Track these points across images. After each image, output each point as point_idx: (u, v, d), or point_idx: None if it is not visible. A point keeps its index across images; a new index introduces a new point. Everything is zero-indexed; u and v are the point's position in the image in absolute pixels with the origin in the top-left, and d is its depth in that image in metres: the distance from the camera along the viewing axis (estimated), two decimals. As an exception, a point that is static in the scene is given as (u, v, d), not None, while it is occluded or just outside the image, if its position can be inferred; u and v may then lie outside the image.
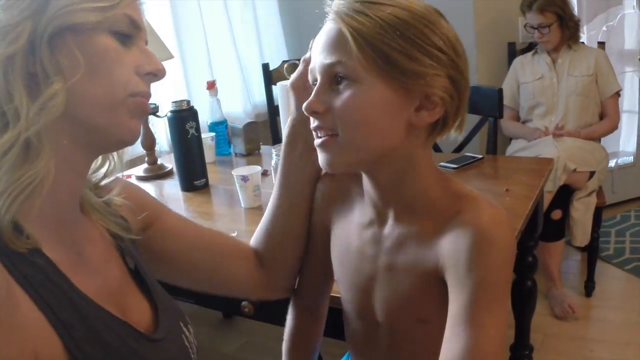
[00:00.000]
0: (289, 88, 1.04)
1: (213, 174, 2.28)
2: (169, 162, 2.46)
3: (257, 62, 3.40)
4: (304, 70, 1.00)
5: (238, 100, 3.33)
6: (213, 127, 2.57)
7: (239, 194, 1.90)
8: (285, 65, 2.20)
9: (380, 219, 0.94)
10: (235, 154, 2.60)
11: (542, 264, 2.81)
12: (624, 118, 3.72)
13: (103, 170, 0.91)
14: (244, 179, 1.86)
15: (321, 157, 0.88)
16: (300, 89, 1.00)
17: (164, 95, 2.64)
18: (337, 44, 0.82)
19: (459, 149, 2.66)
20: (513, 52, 3.35)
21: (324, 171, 1.06)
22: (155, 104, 2.32)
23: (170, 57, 2.39)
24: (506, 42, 3.38)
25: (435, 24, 0.81)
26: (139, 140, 2.19)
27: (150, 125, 2.44)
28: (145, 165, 2.40)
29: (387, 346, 0.99)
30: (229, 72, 3.26)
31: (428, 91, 0.81)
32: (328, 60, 0.83)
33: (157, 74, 0.83)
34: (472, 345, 0.77)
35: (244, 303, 1.44)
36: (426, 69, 0.80)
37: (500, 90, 2.45)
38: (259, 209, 1.88)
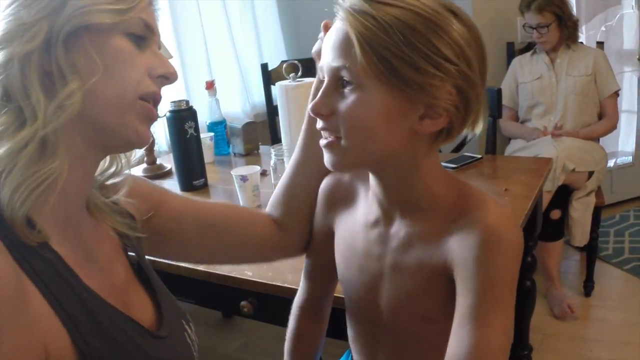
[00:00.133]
0: (314, 54, 1.02)
1: (212, 174, 2.27)
2: (167, 162, 2.46)
3: (256, 62, 3.40)
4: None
5: (237, 100, 3.33)
6: (212, 127, 2.57)
7: (238, 194, 1.90)
8: (284, 65, 2.20)
9: (386, 218, 0.94)
10: (234, 154, 2.60)
11: (541, 264, 2.81)
12: (623, 118, 3.73)
13: (111, 170, 0.93)
14: (243, 179, 1.86)
15: (326, 158, 0.88)
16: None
17: (162, 95, 2.62)
18: (344, 47, 0.81)
19: (458, 148, 2.67)
20: (512, 52, 3.35)
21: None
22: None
23: (170, 57, 2.39)
24: (505, 42, 3.38)
25: (443, 28, 0.78)
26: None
27: (149, 126, 2.43)
28: (144, 165, 2.40)
29: (391, 345, 0.99)
30: (228, 72, 3.26)
31: (432, 102, 0.79)
32: (334, 64, 0.82)
33: (169, 77, 0.85)
34: (480, 343, 0.78)
35: (243, 303, 1.45)
36: (431, 79, 0.78)
37: (499, 90, 2.45)
38: (258, 209, 1.87)
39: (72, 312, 0.75)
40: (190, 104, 2.14)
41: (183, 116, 2.09)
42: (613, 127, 3.03)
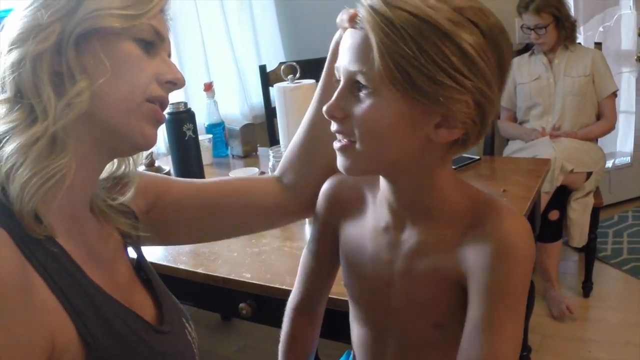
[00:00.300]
0: (333, 45, 1.00)
1: (210, 175, 2.27)
2: (166, 164, 2.45)
3: (254, 63, 3.40)
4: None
5: (235, 102, 3.33)
6: (210, 128, 2.57)
7: (237, 195, 1.90)
8: (283, 67, 2.21)
9: (397, 224, 0.93)
10: (233, 155, 2.60)
11: (540, 265, 2.81)
12: (621, 118, 3.73)
13: (119, 172, 0.96)
14: (242, 180, 1.85)
15: (339, 161, 0.87)
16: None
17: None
18: (362, 50, 0.79)
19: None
20: (510, 53, 3.35)
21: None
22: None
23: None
24: (503, 43, 3.37)
25: (455, 40, 0.75)
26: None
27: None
28: (142, 167, 2.40)
29: (399, 351, 0.98)
30: (226, 74, 3.26)
31: (448, 113, 0.78)
32: (351, 68, 0.81)
33: (177, 83, 0.87)
34: (491, 352, 0.79)
35: (241, 305, 1.45)
36: (447, 92, 0.75)
37: (498, 91, 2.45)
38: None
39: (78, 305, 0.76)
40: (189, 106, 2.14)
41: (181, 118, 2.09)
42: (611, 127, 3.03)
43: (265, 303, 1.44)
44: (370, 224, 0.97)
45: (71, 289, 0.76)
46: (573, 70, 2.97)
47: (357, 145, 0.83)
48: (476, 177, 2.06)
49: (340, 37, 0.88)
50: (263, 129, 3.28)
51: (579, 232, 2.88)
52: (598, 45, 3.19)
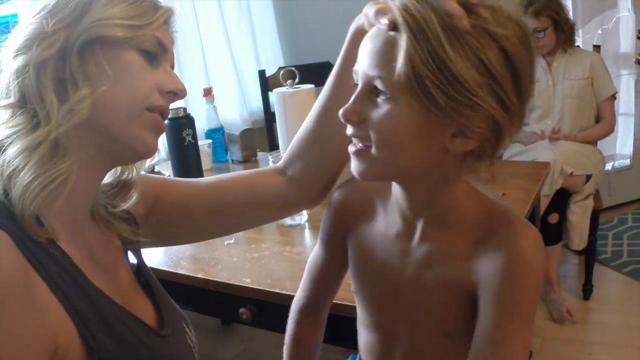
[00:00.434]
0: (358, 28, 0.96)
1: (210, 181, 2.27)
2: (166, 169, 2.46)
3: (253, 68, 3.41)
4: None
5: (234, 107, 3.33)
6: (210, 134, 2.57)
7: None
8: (282, 72, 2.21)
9: (408, 231, 0.92)
10: (232, 160, 2.60)
11: (540, 268, 2.81)
12: (620, 121, 3.73)
13: (122, 178, 0.98)
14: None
15: (353, 165, 0.86)
16: None
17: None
18: (384, 56, 0.77)
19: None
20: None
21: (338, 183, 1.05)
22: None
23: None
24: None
25: (472, 58, 0.73)
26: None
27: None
28: (142, 173, 2.40)
29: (405, 358, 0.98)
30: (226, 79, 3.26)
31: (464, 124, 0.77)
32: (371, 72, 0.79)
33: (178, 93, 0.88)
34: None
35: (242, 310, 1.45)
36: (462, 108, 0.74)
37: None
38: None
39: (80, 307, 0.77)
40: (188, 111, 2.15)
41: (181, 123, 2.10)
42: (610, 130, 3.03)
43: (265, 308, 1.44)
44: (380, 231, 0.97)
45: (73, 291, 0.77)
46: (572, 73, 2.97)
47: (373, 151, 0.82)
48: (475, 181, 2.05)
49: (362, 24, 0.88)
50: (262, 134, 3.28)
51: (578, 235, 2.88)
52: (597, 48, 3.19)
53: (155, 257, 1.58)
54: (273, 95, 2.20)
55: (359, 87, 0.82)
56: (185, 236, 1.13)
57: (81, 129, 0.80)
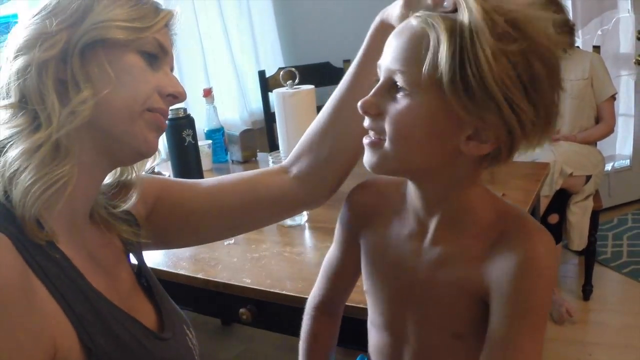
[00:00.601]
0: (390, 18, 0.96)
1: (210, 181, 2.27)
2: (166, 169, 2.46)
3: (253, 69, 3.41)
4: None
5: (235, 107, 3.33)
6: (210, 134, 2.57)
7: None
8: (282, 73, 2.21)
9: (421, 232, 0.92)
10: (232, 161, 2.60)
11: (540, 268, 2.81)
12: (620, 121, 3.73)
13: (122, 179, 0.98)
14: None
15: (366, 157, 0.86)
16: None
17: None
18: (410, 52, 0.77)
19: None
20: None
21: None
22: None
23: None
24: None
25: (501, 59, 0.72)
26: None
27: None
28: (143, 174, 2.40)
29: (415, 359, 0.98)
30: (226, 80, 3.27)
31: (481, 126, 0.77)
32: (394, 67, 0.79)
33: (178, 96, 0.89)
34: None
35: (242, 310, 1.45)
36: (483, 113, 0.74)
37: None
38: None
39: (79, 310, 0.77)
40: (188, 112, 2.15)
41: (181, 124, 2.10)
42: (610, 130, 3.03)
43: (265, 308, 1.44)
44: (394, 230, 0.96)
45: (72, 294, 0.77)
46: (572, 74, 2.97)
47: (386, 144, 0.82)
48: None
49: (386, 18, 0.89)
50: (262, 135, 3.29)
51: (578, 236, 2.88)
52: (597, 48, 3.19)
53: (155, 257, 1.59)
54: (273, 96, 2.20)
55: (381, 80, 0.83)
56: (187, 238, 1.12)
57: (82, 130, 0.80)
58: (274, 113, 2.36)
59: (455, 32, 0.73)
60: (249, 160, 2.55)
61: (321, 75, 3.07)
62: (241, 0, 3.36)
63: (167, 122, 0.91)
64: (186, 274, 1.51)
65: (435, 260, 0.90)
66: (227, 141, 2.59)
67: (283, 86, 2.13)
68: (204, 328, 3.04)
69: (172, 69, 0.91)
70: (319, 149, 1.06)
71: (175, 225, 1.06)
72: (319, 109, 1.09)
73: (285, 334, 1.49)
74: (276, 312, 1.41)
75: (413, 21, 0.79)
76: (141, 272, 1.00)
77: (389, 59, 0.81)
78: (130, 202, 0.96)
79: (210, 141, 2.52)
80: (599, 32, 3.70)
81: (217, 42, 3.22)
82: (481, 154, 0.81)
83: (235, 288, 1.44)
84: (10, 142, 0.77)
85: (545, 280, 0.81)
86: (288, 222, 1.75)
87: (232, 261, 1.57)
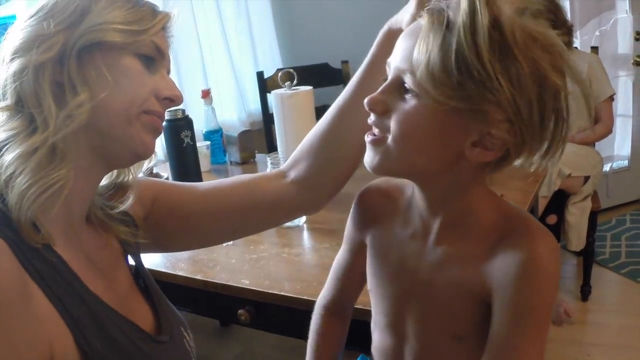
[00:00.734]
0: (397, 24, 0.96)
1: (208, 182, 2.27)
2: (164, 171, 2.45)
3: (251, 70, 3.41)
4: None
5: (233, 108, 3.33)
6: (208, 135, 2.57)
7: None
8: (280, 74, 2.21)
9: (424, 232, 0.92)
10: (231, 162, 2.60)
11: (538, 269, 2.81)
12: (618, 122, 3.74)
13: (118, 180, 0.98)
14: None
15: (367, 156, 0.85)
16: None
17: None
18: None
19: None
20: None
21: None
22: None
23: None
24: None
25: (508, 65, 0.73)
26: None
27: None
28: (140, 175, 2.40)
29: (418, 359, 0.98)
30: (224, 81, 3.27)
31: (485, 130, 0.76)
32: (403, 66, 0.79)
33: (174, 100, 0.89)
34: None
35: (240, 311, 1.45)
36: (484, 103, 0.73)
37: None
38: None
39: (76, 314, 0.76)
40: (186, 113, 2.15)
41: (179, 125, 2.09)
42: (608, 131, 3.03)
43: (263, 309, 1.44)
44: (398, 230, 0.96)
45: (69, 297, 0.76)
46: (570, 75, 2.97)
47: (389, 143, 0.81)
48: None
49: (394, 24, 0.89)
50: (261, 136, 3.29)
51: (577, 236, 2.88)
52: (595, 49, 3.19)
53: (153, 258, 1.58)
54: (271, 97, 2.20)
55: (389, 79, 0.82)
56: (186, 241, 1.11)
57: (79, 133, 0.79)
58: (272, 114, 2.35)
59: (465, 30, 0.73)
60: (247, 162, 2.55)
61: (319, 76, 3.08)
62: (239, 1, 3.37)
63: (165, 122, 0.91)
64: (185, 275, 1.51)
65: (438, 261, 0.90)
66: (225, 142, 2.59)
67: (281, 87, 2.13)
68: (203, 329, 3.04)
69: (168, 72, 0.90)
70: (318, 154, 1.06)
71: (173, 227, 1.05)
72: (317, 110, 1.09)
73: (283, 335, 1.49)
74: (275, 313, 1.41)
75: (423, 22, 0.78)
76: (139, 273, 1.00)
77: (398, 58, 0.81)
78: (128, 203, 0.96)
79: (208, 142, 2.52)
80: (597, 33, 3.70)
81: (216, 43, 3.22)
82: (485, 161, 0.80)
83: (234, 289, 1.44)
84: (6, 145, 0.76)
85: (548, 281, 0.81)
86: (286, 223, 1.74)
87: (231, 262, 1.57)
